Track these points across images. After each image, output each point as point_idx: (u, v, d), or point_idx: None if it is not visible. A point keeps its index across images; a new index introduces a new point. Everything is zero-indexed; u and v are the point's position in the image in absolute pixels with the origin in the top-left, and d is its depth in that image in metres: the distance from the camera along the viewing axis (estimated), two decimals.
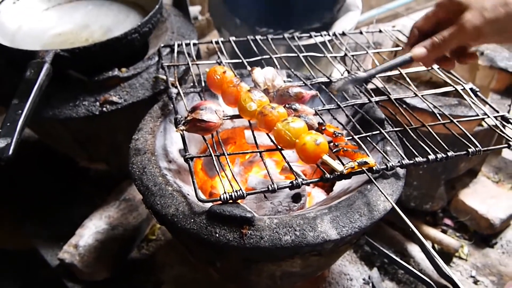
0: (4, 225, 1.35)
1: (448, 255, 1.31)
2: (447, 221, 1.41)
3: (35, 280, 1.29)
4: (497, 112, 0.93)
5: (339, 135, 0.80)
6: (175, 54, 1.09)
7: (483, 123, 1.12)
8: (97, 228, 1.17)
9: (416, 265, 1.28)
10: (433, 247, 1.32)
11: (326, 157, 0.74)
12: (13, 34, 1.18)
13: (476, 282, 1.25)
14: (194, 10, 1.98)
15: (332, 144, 0.78)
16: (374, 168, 0.75)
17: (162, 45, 1.12)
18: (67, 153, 1.33)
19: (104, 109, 1.05)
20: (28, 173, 1.43)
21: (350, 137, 0.84)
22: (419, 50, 0.79)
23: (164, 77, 1.04)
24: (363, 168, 0.74)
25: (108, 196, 1.30)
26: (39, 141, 1.40)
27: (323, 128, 0.81)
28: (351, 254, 1.28)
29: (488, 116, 0.91)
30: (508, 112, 1.14)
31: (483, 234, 1.37)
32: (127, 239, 1.21)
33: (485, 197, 1.39)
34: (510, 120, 0.91)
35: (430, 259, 1.23)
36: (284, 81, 0.95)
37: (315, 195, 0.97)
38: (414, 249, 1.31)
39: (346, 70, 1.07)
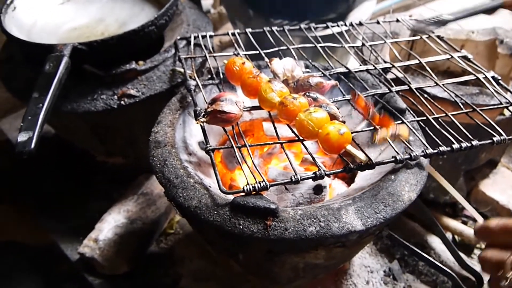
0: (23, 220, 1.36)
1: (469, 246, 1.29)
2: (467, 213, 1.39)
3: (55, 275, 1.30)
4: None
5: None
6: (192, 47, 1.08)
7: (505, 111, 1.10)
8: (116, 222, 1.18)
9: (436, 256, 1.27)
10: (454, 239, 1.31)
11: (349, 147, 0.73)
12: (29, 29, 1.18)
13: None
14: (206, 3, 1.97)
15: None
16: (398, 157, 0.74)
17: (178, 37, 1.12)
18: (85, 147, 1.33)
19: (122, 102, 1.05)
20: (45, 168, 1.43)
21: (372, 127, 0.83)
22: None
23: (182, 70, 1.04)
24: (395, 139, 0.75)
25: (125, 190, 1.30)
26: (56, 135, 1.40)
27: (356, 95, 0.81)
28: (371, 246, 1.27)
29: None
30: None
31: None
32: (146, 233, 1.21)
33: (505, 187, 1.37)
34: None
35: (452, 251, 1.21)
36: (303, 72, 0.94)
37: (335, 186, 0.96)
38: (434, 241, 1.29)
39: (363, 60, 1.06)
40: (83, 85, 1.06)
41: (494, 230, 0.59)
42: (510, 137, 0.80)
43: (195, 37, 1.10)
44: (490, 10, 0.82)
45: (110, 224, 1.17)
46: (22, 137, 0.76)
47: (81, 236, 1.20)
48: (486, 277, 1.20)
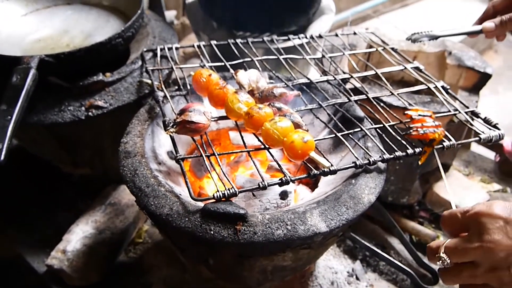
0: None
1: (425, 245, 1.36)
2: (423, 214, 1.47)
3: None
4: (467, 107, 0.99)
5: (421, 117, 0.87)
6: (158, 58, 1.10)
7: (454, 118, 1.18)
8: (84, 233, 1.17)
9: (396, 256, 1.33)
10: (411, 239, 1.38)
11: (313, 154, 0.78)
12: None
13: None
14: (169, 14, 1.99)
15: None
16: (358, 163, 0.79)
17: (145, 49, 1.14)
18: (51, 159, 1.32)
19: (90, 113, 1.05)
20: (10, 180, 1.41)
21: (333, 135, 0.88)
22: (489, 24, 0.97)
23: (149, 81, 1.06)
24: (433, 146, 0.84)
25: (93, 201, 1.30)
26: (20, 147, 1.38)
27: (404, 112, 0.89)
28: (335, 248, 1.32)
29: (460, 112, 0.96)
30: (476, 107, 1.21)
31: None
32: (115, 243, 1.21)
33: (457, 189, 1.46)
34: (479, 115, 0.96)
35: (410, 250, 1.29)
36: (267, 83, 0.99)
37: (300, 192, 1.00)
38: (393, 241, 1.36)
39: (324, 71, 1.11)
40: (49, 97, 1.06)
41: (445, 218, 0.70)
42: (459, 142, 0.87)
43: (161, 49, 1.12)
44: (472, 34, 1.04)
45: (78, 235, 1.17)
46: None
47: (48, 248, 1.19)
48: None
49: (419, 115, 0.87)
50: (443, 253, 0.63)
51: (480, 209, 0.62)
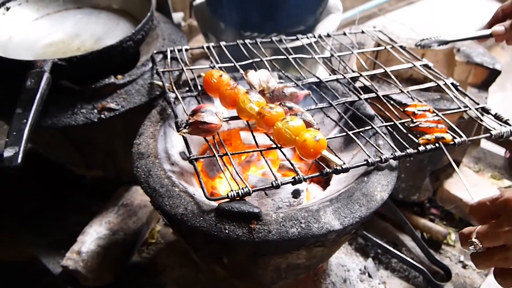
0: (2, 237, 1.35)
1: (437, 242, 1.37)
2: (434, 211, 1.47)
3: None
4: (477, 104, 0.99)
5: (422, 112, 0.89)
6: (169, 60, 1.11)
7: (464, 115, 1.18)
8: (98, 234, 1.19)
9: (408, 253, 1.33)
10: (423, 236, 1.38)
11: (325, 153, 0.78)
12: (4, 45, 1.18)
13: (464, 266, 1.31)
14: (177, 16, 2.00)
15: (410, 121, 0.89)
16: (370, 160, 0.80)
17: (155, 51, 1.15)
18: (65, 162, 1.34)
19: (102, 116, 1.07)
20: (23, 183, 1.42)
21: (344, 133, 0.88)
22: (499, 28, 0.99)
23: (160, 83, 1.07)
24: (439, 142, 0.83)
25: (105, 202, 1.31)
26: (33, 150, 1.40)
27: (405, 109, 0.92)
28: (347, 246, 1.33)
29: (470, 108, 0.96)
30: (486, 104, 1.20)
31: (468, 221, 1.43)
32: (128, 243, 1.22)
33: (468, 186, 1.45)
34: (489, 111, 0.96)
35: (421, 247, 1.29)
36: (277, 83, 0.99)
37: (312, 190, 1.01)
38: (405, 239, 1.36)
39: (333, 70, 1.12)
40: (62, 100, 1.07)
41: (474, 207, 0.70)
42: (470, 138, 0.87)
43: (171, 51, 1.13)
44: (481, 38, 1.07)
45: (92, 236, 1.19)
46: (8, 153, 0.77)
47: (63, 249, 1.20)
48: (454, 271, 1.27)
49: (419, 110, 0.89)
50: (475, 238, 0.65)
51: (510, 195, 0.64)
